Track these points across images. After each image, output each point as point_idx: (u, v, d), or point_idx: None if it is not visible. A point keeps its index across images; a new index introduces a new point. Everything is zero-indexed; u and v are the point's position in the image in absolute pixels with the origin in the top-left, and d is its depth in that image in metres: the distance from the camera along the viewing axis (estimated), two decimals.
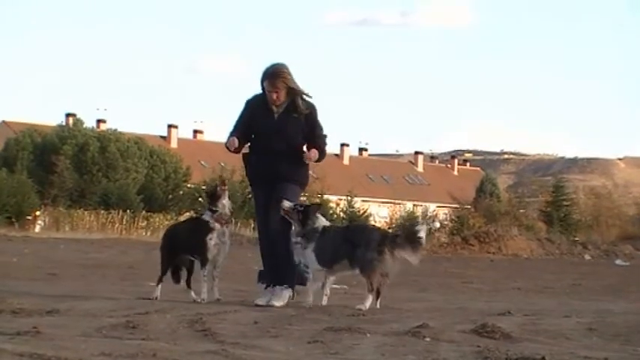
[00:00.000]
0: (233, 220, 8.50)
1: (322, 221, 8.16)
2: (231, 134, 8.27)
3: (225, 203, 8.33)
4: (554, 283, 15.44)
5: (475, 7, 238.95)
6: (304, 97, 8.22)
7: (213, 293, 8.33)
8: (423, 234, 7.99)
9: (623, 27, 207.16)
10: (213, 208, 8.30)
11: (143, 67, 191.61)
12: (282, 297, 8.11)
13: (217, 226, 8.24)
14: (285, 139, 8.16)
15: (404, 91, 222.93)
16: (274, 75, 8.11)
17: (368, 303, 7.89)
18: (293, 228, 8.09)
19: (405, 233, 8.17)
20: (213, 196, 8.38)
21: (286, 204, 8.02)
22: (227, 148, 8.29)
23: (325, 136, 8.36)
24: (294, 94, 8.15)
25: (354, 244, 7.94)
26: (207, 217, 8.32)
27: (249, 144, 8.41)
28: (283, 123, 8.16)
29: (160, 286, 8.48)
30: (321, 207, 8.58)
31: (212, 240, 8.20)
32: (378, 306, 7.93)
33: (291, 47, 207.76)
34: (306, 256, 8.06)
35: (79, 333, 5.67)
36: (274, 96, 8.12)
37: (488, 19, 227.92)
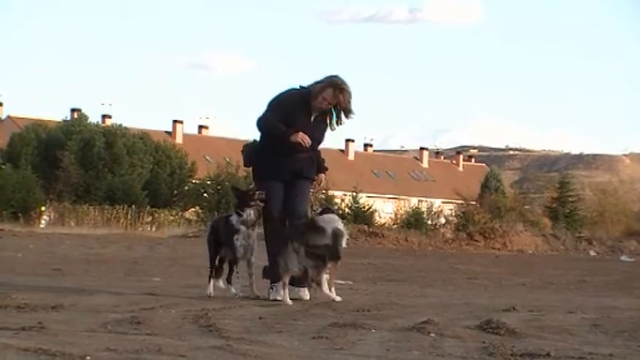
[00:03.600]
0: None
1: None
2: (281, 126, 8.03)
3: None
4: (559, 279, 15.42)
5: (482, 3, 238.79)
6: (347, 115, 8.21)
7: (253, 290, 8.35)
8: None
9: (630, 23, 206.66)
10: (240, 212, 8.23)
11: (148, 63, 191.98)
12: (306, 293, 8.21)
13: (243, 228, 8.21)
14: (314, 142, 8.18)
15: (409, 87, 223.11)
16: (342, 91, 8.05)
17: None
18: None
19: None
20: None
21: None
22: (292, 140, 8.00)
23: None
24: (341, 109, 8.14)
25: None
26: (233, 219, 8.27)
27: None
28: (317, 127, 8.19)
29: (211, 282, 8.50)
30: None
31: (238, 240, 8.22)
32: None
33: (297, 43, 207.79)
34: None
35: (83, 328, 5.67)
36: (324, 105, 8.07)
37: (495, 16, 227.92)
